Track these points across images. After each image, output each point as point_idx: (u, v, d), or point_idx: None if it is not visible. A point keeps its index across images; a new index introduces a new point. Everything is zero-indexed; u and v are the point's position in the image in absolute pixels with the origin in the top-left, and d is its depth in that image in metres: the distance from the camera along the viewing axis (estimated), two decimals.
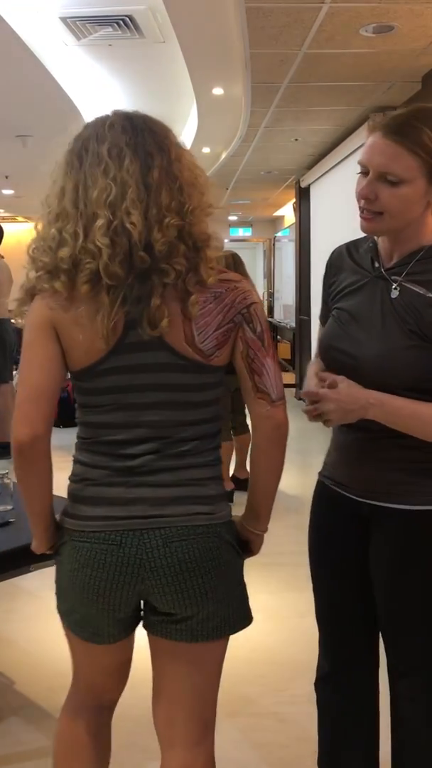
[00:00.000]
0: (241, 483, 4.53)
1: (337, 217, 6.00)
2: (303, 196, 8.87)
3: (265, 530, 1.39)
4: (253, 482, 1.36)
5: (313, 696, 1.62)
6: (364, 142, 1.39)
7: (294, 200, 9.55)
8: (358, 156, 1.39)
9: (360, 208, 1.35)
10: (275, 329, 11.16)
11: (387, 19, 3.79)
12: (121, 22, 4.48)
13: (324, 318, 1.54)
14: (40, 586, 2.41)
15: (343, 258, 1.50)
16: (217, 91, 5.48)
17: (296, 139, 6.98)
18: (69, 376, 1.30)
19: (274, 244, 12.84)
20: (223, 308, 1.25)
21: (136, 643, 1.41)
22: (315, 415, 1.34)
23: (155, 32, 4.64)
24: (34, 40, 4.58)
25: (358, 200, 1.34)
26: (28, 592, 2.67)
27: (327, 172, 7.47)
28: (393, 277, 1.37)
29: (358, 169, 1.36)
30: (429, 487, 1.36)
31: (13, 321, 5.18)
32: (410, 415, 1.31)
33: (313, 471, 1.62)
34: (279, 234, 12.07)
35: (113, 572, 1.24)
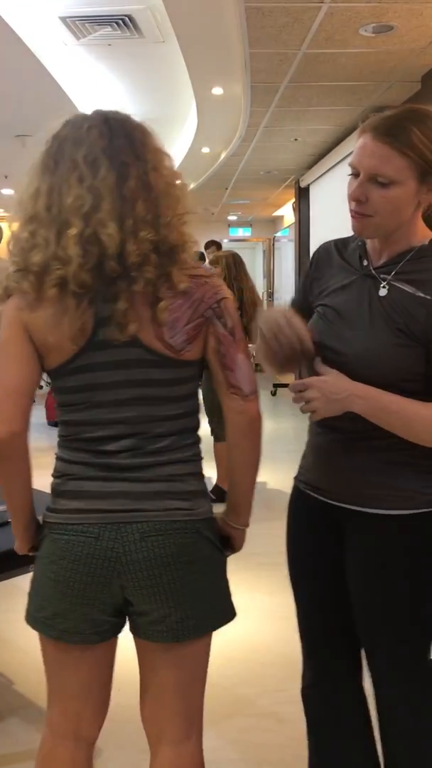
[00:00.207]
0: None
1: (337, 217, 5.99)
2: (302, 196, 8.87)
3: (246, 525, 1.38)
4: (231, 477, 1.36)
5: None
6: None
7: (293, 200, 9.56)
8: None
9: (351, 209, 1.34)
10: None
11: (386, 19, 3.80)
12: (120, 22, 4.48)
13: (296, 305, 1.51)
14: None
15: (331, 254, 1.48)
16: (217, 90, 5.48)
17: (296, 139, 6.98)
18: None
19: (273, 244, 12.84)
20: (193, 303, 1.25)
21: (128, 646, 1.40)
22: (304, 406, 1.32)
23: (155, 32, 4.64)
24: (34, 39, 4.58)
25: (349, 202, 1.34)
26: (27, 592, 2.67)
27: (326, 172, 7.48)
28: (382, 276, 1.36)
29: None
30: (402, 491, 1.35)
31: None
32: (397, 411, 1.29)
33: None
34: (278, 234, 12.07)
35: (89, 565, 1.24)
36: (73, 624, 1.28)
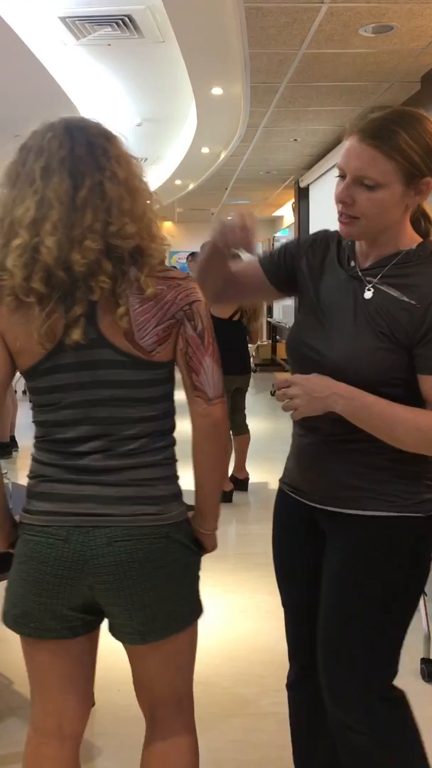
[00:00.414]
0: (240, 483, 4.54)
1: (336, 217, 5.98)
2: (302, 197, 8.87)
3: (214, 529, 1.38)
4: (196, 481, 1.36)
5: None
6: None
7: (293, 200, 9.55)
8: None
9: (338, 212, 1.34)
10: (274, 329, 11.15)
11: (386, 19, 3.79)
12: (120, 22, 4.48)
13: (267, 258, 1.51)
14: None
15: (329, 245, 1.46)
16: (216, 90, 5.48)
17: (295, 140, 6.98)
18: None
19: (273, 245, 12.84)
20: (164, 305, 1.26)
21: (121, 646, 1.40)
22: (286, 404, 1.31)
23: (154, 32, 4.64)
24: (33, 39, 4.57)
25: (336, 204, 1.33)
26: None
27: (326, 172, 7.47)
28: (368, 279, 1.35)
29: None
30: (380, 493, 1.33)
31: None
32: (379, 413, 1.27)
33: None
34: (278, 234, 12.07)
35: (56, 567, 1.26)
36: (43, 622, 1.30)
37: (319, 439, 1.38)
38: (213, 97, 5.63)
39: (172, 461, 1.34)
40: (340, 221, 1.34)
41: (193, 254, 7.70)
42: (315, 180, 8.17)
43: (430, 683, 2.38)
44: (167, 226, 12.03)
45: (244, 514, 4.21)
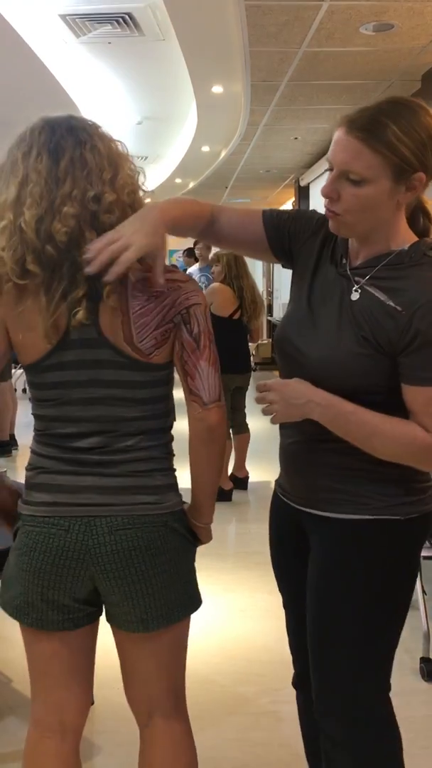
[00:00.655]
0: (240, 482, 4.54)
1: None
2: (302, 195, 8.87)
3: (208, 523, 1.39)
4: (192, 478, 1.37)
5: None
6: None
7: (293, 199, 9.55)
8: None
9: (324, 206, 1.28)
10: (275, 328, 11.14)
11: (387, 18, 3.79)
12: (120, 20, 4.47)
13: (273, 219, 1.41)
14: None
15: (330, 237, 1.37)
16: (217, 89, 5.47)
17: (296, 138, 6.98)
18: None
19: None
20: (163, 308, 1.26)
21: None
22: (264, 409, 1.29)
23: (155, 30, 4.63)
24: (34, 37, 4.57)
25: (324, 199, 1.28)
26: None
27: (326, 171, 7.46)
28: (356, 278, 1.29)
29: None
30: (354, 495, 1.30)
31: None
32: (357, 423, 1.23)
33: None
34: None
35: (59, 557, 1.27)
36: (46, 613, 1.31)
37: (299, 439, 1.36)
38: (213, 95, 5.63)
39: (168, 455, 1.35)
40: (327, 216, 1.28)
41: (187, 250, 7.71)
42: (315, 179, 8.16)
43: (429, 682, 2.37)
44: None
45: (243, 513, 4.21)
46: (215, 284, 4.44)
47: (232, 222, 1.44)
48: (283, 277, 10.74)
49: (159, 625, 1.31)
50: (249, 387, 4.61)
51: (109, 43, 4.92)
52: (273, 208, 1.47)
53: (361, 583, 1.30)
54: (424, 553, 2.02)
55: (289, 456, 1.41)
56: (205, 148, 7.75)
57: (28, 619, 1.32)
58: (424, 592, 2.46)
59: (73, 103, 5.63)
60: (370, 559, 1.30)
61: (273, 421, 1.30)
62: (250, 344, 4.71)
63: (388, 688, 1.35)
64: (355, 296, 1.27)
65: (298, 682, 1.55)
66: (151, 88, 6.04)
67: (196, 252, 7.14)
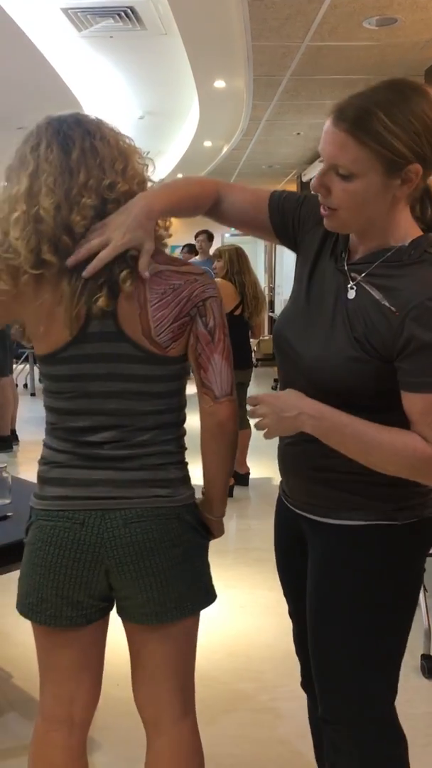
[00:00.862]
0: (241, 478, 4.53)
1: None
2: (304, 191, 8.84)
3: (221, 516, 1.40)
4: (203, 471, 1.38)
5: None
6: None
7: None
8: None
9: (320, 202, 1.21)
10: (275, 324, 11.08)
11: (390, 12, 3.77)
12: (122, 14, 4.46)
13: (279, 201, 1.37)
14: None
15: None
16: (219, 83, 5.45)
17: (298, 133, 6.96)
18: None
19: None
20: (180, 301, 1.27)
21: (123, 640, 1.39)
22: (256, 423, 1.24)
23: (157, 24, 4.61)
24: (35, 31, 4.55)
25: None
26: None
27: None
28: (352, 275, 1.22)
29: None
30: (350, 500, 1.25)
31: None
32: (353, 435, 1.16)
33: None
34: None
35: (74, 550, 1.27)
36: (60, 609, 1.30)
37: (295, 439, 1.29)
38: (215, 90, 5.61)
39: (181, 449, 1.35)
40: (321, 213, 1.22)
41: (187, 246, 7.68)
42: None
43: (430, 679, 2.37)
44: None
45: (244, 508, 4.21)
46: (217, 280, 4.43)
47: (237, 203, 1.40)
48: (286, 272, 10.72)
49: (173, 617, 1.31)
50: (250, 383, 4.61)
51: (111, 37, 4.90)
52: (283, 190, 1.43)
53: (358, 590, 1.26)
54: None
55: (285, 457, 1.38)
56: (207, 144, 7.73)
57: (41, 617, 1.32)
58: (425, 589, 2.46)
59: (74, 97, 5.61)
60: (365, 566, 1.26)
61: (266, 436, 1.24)
62: (252, 340, 4.70)
63: (393, 693, 1.32)
64: (351, 294, 1.21)
65: (302, 679, 1.54)
66: (152, 82, 6.02)
67: (197, 245, 7.12)
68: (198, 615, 1.38)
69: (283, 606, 1.53)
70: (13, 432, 5.32)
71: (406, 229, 1.20)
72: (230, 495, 4.37)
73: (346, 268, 1.24)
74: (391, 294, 1.16)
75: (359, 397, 1.19)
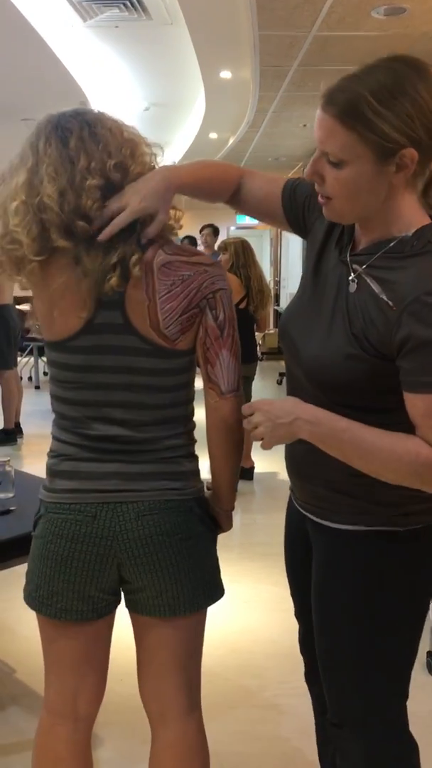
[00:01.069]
0: (245, 472, 4.52)
1: None
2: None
3: (229, 509, 1.39)
4: (210, 464, 1.37)
5: None
6: None
7: None
8: None
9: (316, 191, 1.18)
10: (281, 317, 11.06)
11: (398, 2, 3.73)
12: (128, 3, 4.42)
13: (292, 189, 1.34)
14: None
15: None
16: (225, 74, 5.41)
17: (305, 125, 6.91)
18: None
19: (280, 232, 12.75)
20: (189, 292, 1.25)
21: (127, 636, 1.39)
22: (252, 433, 1.19)
23: (162, 14, 4.57)
24: (40, 20, 4.52)
25: None
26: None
27: None
28: (354, 266, 1.17)
29: None
30: (357, 505, 1.21)
31: (18, 307, 5.16)
32: (351, 441, 1.11)
33: None
34: None
35: (87, 543, 1.26)
36: (71, 603, 1.30)
37: (299, 439, 1.22)
38: (222, 80, 5.57)
39: (190, 441, 1.35)
40: (319, 202, 1.18)
41: (187, 238, 7.64)
42: None
43: None
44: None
45: (248, 503, 4.19)
46: None
47: (254, 190, 1.38)
48: (290, 266, 10.68)
49: (185, 610, 1.31)
50: (255, 377, 4.60)
51: (117, 27, 4.86)
52: (297, 177, 1.39)
53: (358, 594, 1.23)
54: None
55: (291, 457, 1.35)
56: (213, 135, 7.69)
57: (52, 610, 1.31)
58: None
59: (79, 88, 5.58)
60: (365, 572, 1.22)
61: (263, 447, 1.18)
62: (257, 334, 4.68)
63: (402, 697, 1.30)
64: (352, 287, 1.16)
65: (306, 676, 1.53)
66: (158, 73, 5.98)
67: (201, 239, 7.10)
68: (206, 610, 1.37)
69: (288, 602, 1.51)
70: (18, 425, 5.32)
71: (410, 218, 1.13)
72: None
73: (348, 259, 1.19)
74: (389, 287, 1.10)
75: (359, 396, 1.15)
